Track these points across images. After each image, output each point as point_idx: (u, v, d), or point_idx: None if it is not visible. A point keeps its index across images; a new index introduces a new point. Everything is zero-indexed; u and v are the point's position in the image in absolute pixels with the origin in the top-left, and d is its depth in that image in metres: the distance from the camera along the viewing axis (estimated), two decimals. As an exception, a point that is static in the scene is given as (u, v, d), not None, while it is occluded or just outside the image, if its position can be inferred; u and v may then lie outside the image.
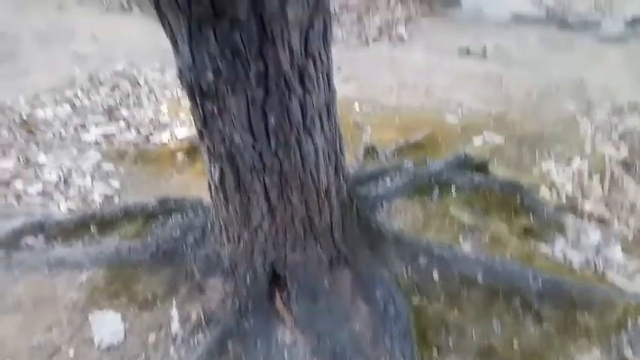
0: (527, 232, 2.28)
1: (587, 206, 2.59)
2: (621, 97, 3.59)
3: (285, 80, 1.28)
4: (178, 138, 3.13)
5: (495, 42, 4.56)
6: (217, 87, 1.27)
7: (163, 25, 1.26)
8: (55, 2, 5.51)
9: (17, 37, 4.76)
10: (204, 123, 1.40)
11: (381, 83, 3.97)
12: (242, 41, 1.18)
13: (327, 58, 1.40)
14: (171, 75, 4.03)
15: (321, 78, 1.38)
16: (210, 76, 1.25)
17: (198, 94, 1.31)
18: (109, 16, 5.28)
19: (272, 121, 1.34)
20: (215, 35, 1.18)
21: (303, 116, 1.38)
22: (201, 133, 1.46)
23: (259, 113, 1.32)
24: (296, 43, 1.24)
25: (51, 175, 2.82)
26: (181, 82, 1.33)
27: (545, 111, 3.49)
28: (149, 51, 4.30)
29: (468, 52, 4.38)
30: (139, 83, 3.90)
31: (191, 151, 2.92)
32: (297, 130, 1.40)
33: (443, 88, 3.83)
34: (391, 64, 4.33)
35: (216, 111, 1.33)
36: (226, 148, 1.42)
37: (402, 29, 4.82)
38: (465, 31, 4.85)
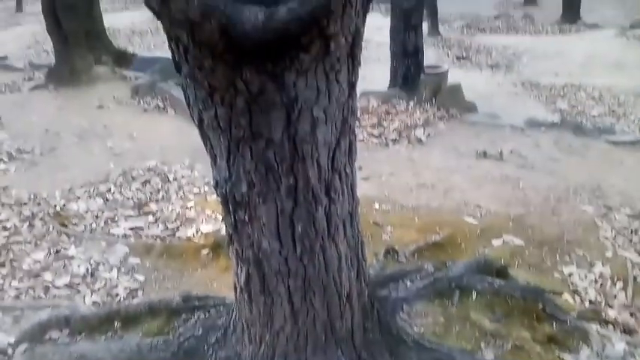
0: (551, 340, 2.23)
1: (612, 313, 2.55)
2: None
3: (313, 193, 1.38)
4: (204, 233, 3.24)
5: (511, 146, 4.71)
6: (250, 198, 1.38)
7: (204, 142, 1.40)
8: (95, 102, 5.96)
9: (59, 133, 5.11)
10: (235, 229, 1.49)
11: (400, 183, 4.09)
12: (275, 159, 1.31)
13: (352, 171, 1.52)
14: (199, 172, 4.23)
15: (345, 189, 1.49)
16: (244, 188, 1.36)
17: (232, 203, 1.42)
18: (146, 116, 5.66)
19: (299, 229, 1.43)
20: (251, 153, 1.31)
21: (328, 224, 1.47)
22: (231, 238, 1.55)
23: (287, 222, 1.42)
24: (324, 160, 1.36)
25: (79, 268, 2.92)
26: (217, 192, 1.45)
27: (563, 214, 3.53)
28: (180, 149, 4.56)
29: (485, 154, 4.53)
30: (168, 179, 4.09)
31: (216, 247, 3.00)
32: (322, 238, 1.48)
33: (461, 189, 3.93)
34: (410, 165, 4.49)
35: (247, 219, 1.43)
36: (254, 253, 1.50)
37: (420, 132, 5.04)
38: (481, 135, 5.04)
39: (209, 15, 1.06)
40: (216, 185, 1.44)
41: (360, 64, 1.35)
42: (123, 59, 7.90)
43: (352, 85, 1.36)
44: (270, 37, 1.09)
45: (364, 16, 1.25)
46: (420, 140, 4.96)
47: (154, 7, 1.12)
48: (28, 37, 11.67)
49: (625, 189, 3.86)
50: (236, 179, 1.37)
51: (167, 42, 1.24)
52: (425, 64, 6.73)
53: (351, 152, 1.47)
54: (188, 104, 1.35)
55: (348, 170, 1.47)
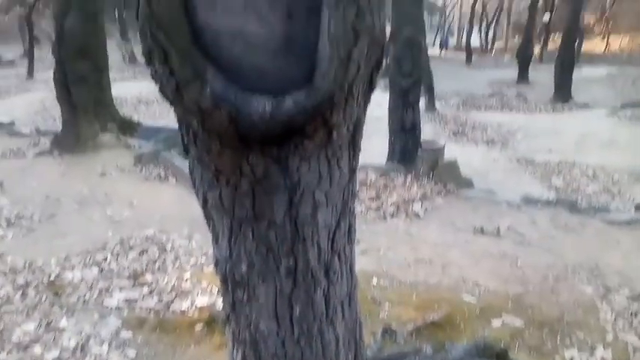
0: None
1: (617, 403, 2.48)
2: (639, 283, 3.61)
3: (312, 274, 1.39)
4: (198, 307, 3.19)
5: (508, 222, 4.75)
6: (249, 278, 1.39)
7: (207, 222, 1.42)
8: (98, 169, 6.05)
9: (59, 200, 5.15)
10: (233, 309, 1.48)
11: (398, 258, 4.08)
12: (276, 239, 1.33)
13: (351, 252, 1.53)
14: (197, 242, 4.23)
15: (344, 271, 1.50)
16: (244, 268, 1.37)
17: (231, 282, 1.42)
18: (147, 184, 5.72)
19: (297, 311, 1.42)
20: (253, 233, 1.33)
21: (327, 306, 1.47)
22: (228, 318, 1.54)
23: (286, 303, 1.41)
24: (324, 242, 1.38)
25: (70, 342, 2.85)
26: (216, 271, 1.46)
27: (562, 294, 3.50)
28: (179, 218, 4.58)
29: (482, 230, 4.55)
30: (166, 249, 4.08)
31: (210, 322, 2.95)
32: (320, 320, 1.47)
33: (459, 265, 3.92)
34: (408, 239, 4.50)
35: (245, 299, 1.43)
36: (251, 335, 1.48)
37: (417, 206, 5.09)
38: (478, 211, 5.09)
39: (219, 105, 1.12)
40: (216, 264, 1.45)
41: (360, 150, 1.41)
42: (128, 127, 8.11)
43: (353, 170, 1.40)
44: (276, 127, 1.14)
45: (365, 107, 1.32)
46: (417, 214, 5.00)
47: (168, 96, 1.18)
48: (37, 103, 12.03)
49: (623, 269, 3.86)
50: (236, 259, 1.38)
51: (177, 126, 1.30)
52: (422, 138, 6.92)
53: (350, 233, 1.49)
54: (194, 184, 1.38)
55: (347, 251, 1.49)
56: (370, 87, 1.28)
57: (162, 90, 1.19)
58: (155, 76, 1.18)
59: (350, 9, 1.08)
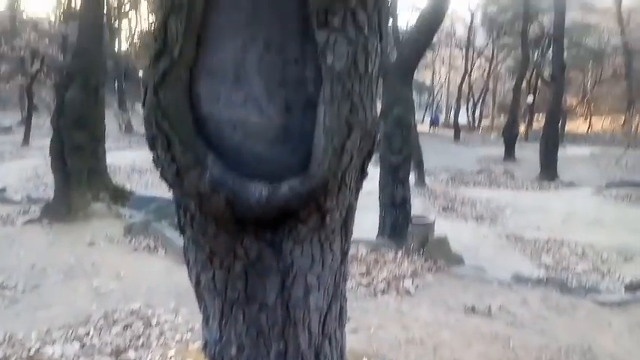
0: None
1: None
2: (632, 367, 3.55)
3: (302, 358, 1.38)
4: (182, 388, 3.07)
5: (499, 301, 4.71)
6: (239, 361, 1.37)
7: (199, 303, 1.42)
8: (87, 239, 5.99)
9: (45, 270, 5.06)
10: (221, 393, 1.45)
11: (389, 337, 3.99)
12: (267, 323, 1.33)
13: (341, 336, 1.53)
14: (183, 316, 4.13)
15: (334, 355, 1.48)
16: (233, 351, 1.36)
17: (220, 366, 1.40)
18: (136, 255, 5.66)
19: (286, 397, 1.39)
20: (244, 316, 1.33)
21: (316, 392, 1.44)
22: (215, 402, 1.50)
23: (275, 389, 1.38)
24: (315, 325, 1.38)
25: (44, 423, 2.71)
26: (205, 353, 1.44)
27: (557, 378, 3.42)
28: (166, 291, 4.50)
29: (473, 310, 4.50)
30: (151, 324, 3.97)
31: (194, 405, 2.83)
32: (310, 407, 1.43)
33: (451, 347, 3.84)
34: (399, 317, 4.42)
35: (234, 383, 1.40)
36: (238, 421, 1.44)
37: (408, 283, 5.05)
38: (468, 289, 5.05)
39: (218, 190, 1.17)
40: (205, 346, 1.44)
41: (352, 233, 1.45)
42: (120, 196, 8.14)
43: (345, 253, 1.43)
44: (272, 211, 1.19)
45: (357, 193, 1.37)
46: (408, 291, 4.94)
47: (168, 180, 1.23)
48: (30, 170, 12.08)
49: (615, 352, 3.80)
50: (226, 341, 1.37)
51: (175, 207, 1.33)
52: (412, 213, 6.99)
53: (341, 316, 1.49)
54: (187, 265, 1.40)
55: (338, 335, 1.48)
56: (362, 175, 1.34)
57: (162, 174, 1.24)
58: (157, 161, 1.23)
59: (344, 105, 1.16)
